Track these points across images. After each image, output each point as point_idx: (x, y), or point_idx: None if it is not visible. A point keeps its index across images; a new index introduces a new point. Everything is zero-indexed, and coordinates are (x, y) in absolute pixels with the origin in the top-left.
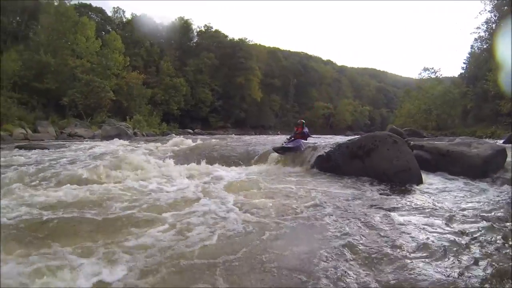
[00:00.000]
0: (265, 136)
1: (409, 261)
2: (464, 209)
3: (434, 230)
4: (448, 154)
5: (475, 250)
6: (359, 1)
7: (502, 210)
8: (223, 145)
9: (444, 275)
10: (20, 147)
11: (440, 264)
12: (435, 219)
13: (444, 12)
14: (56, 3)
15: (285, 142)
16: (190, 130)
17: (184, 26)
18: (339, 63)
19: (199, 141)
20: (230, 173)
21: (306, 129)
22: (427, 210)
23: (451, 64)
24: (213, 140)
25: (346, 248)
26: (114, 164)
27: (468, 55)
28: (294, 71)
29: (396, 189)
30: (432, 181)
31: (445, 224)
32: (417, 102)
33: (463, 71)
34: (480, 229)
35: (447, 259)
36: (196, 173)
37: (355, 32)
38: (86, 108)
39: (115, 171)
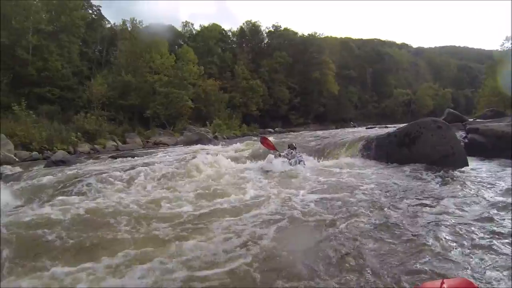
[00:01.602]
0: (336, 130)
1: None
2: (495, 203)
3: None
4: (504, 136)
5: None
6: None
7: None
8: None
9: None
10: (114, 157)
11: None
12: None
13: None
14: (130, 28)
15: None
16: (271, 129)
17: (252, 29)
18: (414, 45)
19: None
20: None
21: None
22: (455, 199)
23: None
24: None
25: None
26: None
27: None
28: (368, 60)
29: (438, 175)
30: (477, 164)
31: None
32: (503, 78)
33: None
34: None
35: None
36: None
37: (428, 8)
38: (168, 117)
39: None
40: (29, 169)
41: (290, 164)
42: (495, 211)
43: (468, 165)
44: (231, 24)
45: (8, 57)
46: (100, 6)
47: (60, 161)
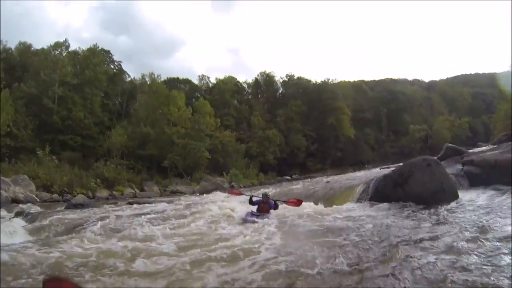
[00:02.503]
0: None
1: None
2: (487, 231)
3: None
4: (495, 164)
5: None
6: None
7: None
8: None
9: None
10: (130, 203)
11: None
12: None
13: None
14: (148, 82)
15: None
16: (288, 177)
17: (267, 80)
18: (426, 79)
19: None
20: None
21: (271, 201)
22: (442, 234)
23: None
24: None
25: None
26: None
27: None
28: (382, 100)
29: (425, 212)
30: (469, 195)
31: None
32: None
33: None
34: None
35: None
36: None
37: (436, 41)
38: (186, 167)
39: None
40: (50, 210)
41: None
42: (463, 244)
43: (458, 197)
44: (246, 75)
45: (36, 106)
46: (121, 62)
47: (79, 204)
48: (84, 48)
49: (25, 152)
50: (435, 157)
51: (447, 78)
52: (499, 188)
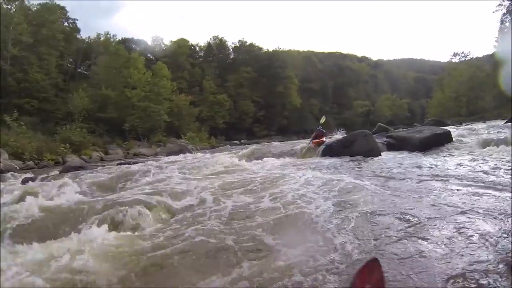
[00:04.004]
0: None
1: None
2: (391, 168)
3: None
4: (403, 139)
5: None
6: None
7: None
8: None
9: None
10: (121, 164)
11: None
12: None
13: None
14: (102, 39)
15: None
16: (237, 141)
17: (219, 44)
18: (374, 58)
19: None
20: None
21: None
22: (369, 169)
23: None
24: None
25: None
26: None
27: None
28: (330, 73)
29: (360, 159)
30: (386, 155)
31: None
32: (447, 91)
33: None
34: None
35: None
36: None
37: (388, 21)
38: (144, 131)
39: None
40: (46, 174)
41: None
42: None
43: (380, 155)
44: (197, 39)
45: None
46: (77, 19)
47: (79, 166)
48: (34, 3)
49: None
50: (371, 131)
51: (394, 59)
52: (403, 152)
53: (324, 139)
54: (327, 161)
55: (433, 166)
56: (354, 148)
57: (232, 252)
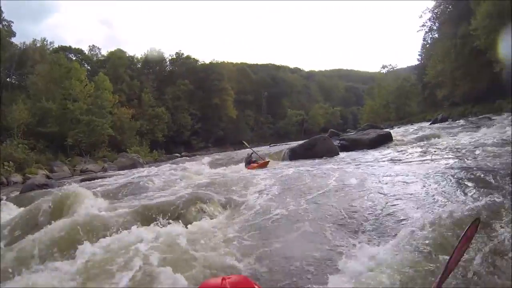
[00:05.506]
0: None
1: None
2: (350, 162)
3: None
4: (355, 140)
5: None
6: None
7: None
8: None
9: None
10: (85, 180)
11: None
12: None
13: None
14: (38, 45)
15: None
16: (177, 154)
17: (156, 56)
18: (306, 69)
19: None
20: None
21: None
22: (330, 165)
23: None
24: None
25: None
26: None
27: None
28: (264, 84)
29: (323, 159)
30: (344, 154)
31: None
32: (378, 99)
33: (418, 62)
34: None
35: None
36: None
37: (319, 34)
38: (87, 146)
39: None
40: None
41: None
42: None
43: (339, 154)
44: (135, 50)
45: None
46: (12, 21)
47: (44, 184)
48: None
49: None
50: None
51: (325, 70)
52: (357, 151)
53: (256, 164)
54: (295, 163)
55: (382, 158)
56: (316, 150)
57: None
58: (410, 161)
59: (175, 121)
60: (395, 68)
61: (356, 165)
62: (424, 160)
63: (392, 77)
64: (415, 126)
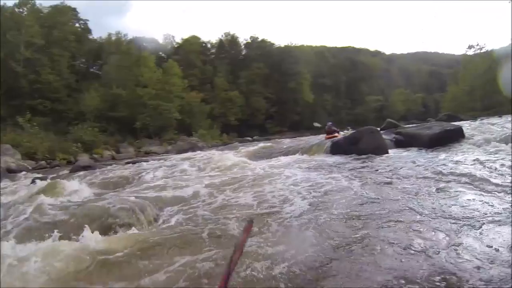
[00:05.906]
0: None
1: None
2: (395, 168)
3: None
4: (413, 135)
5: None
6: None
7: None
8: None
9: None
10: (128, 163)
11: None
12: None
13: None
14: (113, 38)
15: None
16: (249, 138)
17: (231, 41)
18: (388, 52)
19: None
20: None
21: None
22: (370, 170)
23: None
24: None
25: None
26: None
27: None
28: (343, 68)
29: (366, 157)
30: (394, 152)
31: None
32: (462, 84)
33: None
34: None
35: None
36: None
37: (401, 15)
38: (155, 129)
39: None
40: (56, 174)
41: None
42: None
43: (387, 153)
44: (209, 36)
45: (2, 70)
46: (88, 20)
47: (87, 166)
48: (46, 5)
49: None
50: (378, 128)
51: (407, 53)
52: (411, 149)
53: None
54: (331, 159)
55: (439, 165)
56: (360, 146)
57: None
58: (470, 181)
59: (249, 104)
60: (483, 49)
61: (391, 176)
62: (491, 184)
63: (480, 59)
64: (503, 119)
